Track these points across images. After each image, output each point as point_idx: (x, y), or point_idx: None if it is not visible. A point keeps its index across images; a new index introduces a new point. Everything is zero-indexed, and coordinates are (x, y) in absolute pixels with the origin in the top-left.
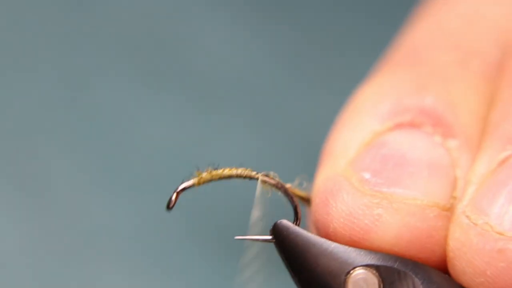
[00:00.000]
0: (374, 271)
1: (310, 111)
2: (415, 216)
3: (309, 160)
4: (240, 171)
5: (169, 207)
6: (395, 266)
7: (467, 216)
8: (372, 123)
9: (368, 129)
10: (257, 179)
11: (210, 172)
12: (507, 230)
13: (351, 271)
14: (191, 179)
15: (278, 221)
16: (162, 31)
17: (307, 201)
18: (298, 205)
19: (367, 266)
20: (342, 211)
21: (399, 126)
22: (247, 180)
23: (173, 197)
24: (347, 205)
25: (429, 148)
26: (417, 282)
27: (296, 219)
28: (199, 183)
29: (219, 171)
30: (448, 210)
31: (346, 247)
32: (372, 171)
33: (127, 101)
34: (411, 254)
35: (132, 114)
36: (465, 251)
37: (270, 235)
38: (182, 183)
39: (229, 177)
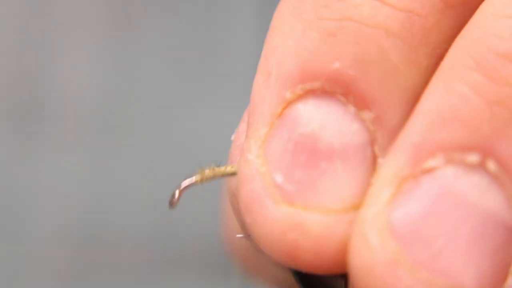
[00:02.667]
0: None
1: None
2: (328, 235)
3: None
4: None
5: (171, 204)
6: None
7: (380, 236)
8: (281, 89)
9: (278, 96)
10: None
11: (213, 169)
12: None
13: None
14: (193, 176)
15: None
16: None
17: None
18: None
19: None
20: (264, 235)
21: (310, 92)
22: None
23: (176, 195)
24: (264, 231)
25: (343, 125)
26: None
27: None
28: (202, 180)
29: (222, 168)
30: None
31: None
32: (285, 170)
33: None
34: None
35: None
36: (370, 275)
37: None
38: (184, 179)
39: (232, 174)
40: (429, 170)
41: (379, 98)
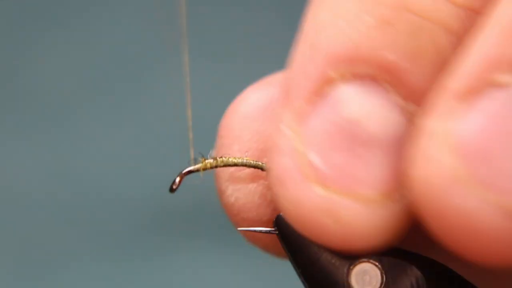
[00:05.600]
0: (377, 263)
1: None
2: (358, 224)
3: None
4: (245, 160)
5: (172, 189)
6: (398, 258)
7: (444, 152)
8: (323, 66)
9: (321, 72)
10: (261, 168)
11: (216, 158)
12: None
13: (354, 263)
14: (196, 163)
15: (282, 213)
16: None
17: None
18: None
19: (370, 258)
20: (294, 212)
21: (358, 77)
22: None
23: (177, 180)
24: (295, 208)
25: (388, 115)
26: (419, 274)
27: None
28: (204, 168)
29: (225, 159)
30: (397, 192)
31: None
32: (323, 152)
33: None
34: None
35: None
36: (430, 189)
37: (273, 226)
38: (188, 166)
39: (235, 165)
40: (500, 85)
41: (426, 90)
